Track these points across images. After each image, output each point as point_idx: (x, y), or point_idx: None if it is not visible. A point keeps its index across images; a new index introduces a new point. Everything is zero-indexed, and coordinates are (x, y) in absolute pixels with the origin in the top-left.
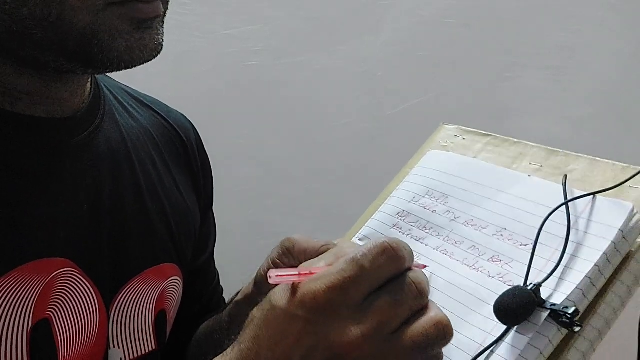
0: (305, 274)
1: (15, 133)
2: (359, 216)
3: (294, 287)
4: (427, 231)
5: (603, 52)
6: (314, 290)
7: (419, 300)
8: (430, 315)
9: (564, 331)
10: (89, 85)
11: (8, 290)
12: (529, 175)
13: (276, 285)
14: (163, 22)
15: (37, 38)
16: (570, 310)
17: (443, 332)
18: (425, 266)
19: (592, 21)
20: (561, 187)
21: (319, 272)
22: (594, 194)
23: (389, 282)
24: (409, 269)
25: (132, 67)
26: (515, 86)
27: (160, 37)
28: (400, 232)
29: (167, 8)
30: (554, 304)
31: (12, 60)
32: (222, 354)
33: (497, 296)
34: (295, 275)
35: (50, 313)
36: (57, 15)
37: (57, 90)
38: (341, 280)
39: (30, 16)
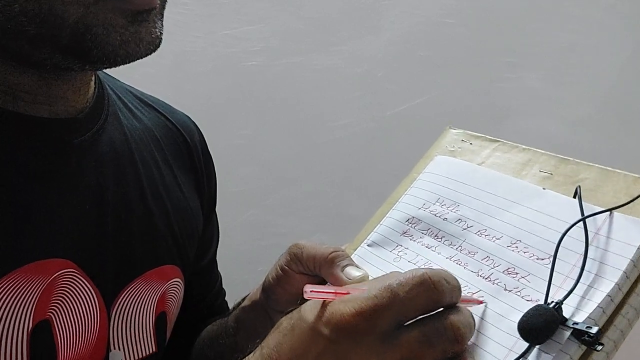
0: (342, 293)
1: (17, 133)
2: (358, 216)
3: (325, 304)
4: (440, 240)
5: (603, 53)
6: (342, 312)
7: (454, 346)
8: None
9: (584, 347)
10: (92, 85)
11: (9, 291)
12: (543, 188)
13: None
14: (162, 15)
15: (31, 34)
16: (594, 331)
17: None
18: (480, 302)
19: (592, 21)
20: (575, 201)
21: (351, 294)
22: (610, 210)
23: (424, 318)
24: (454, 306)
25: (129, 62)
26: (516, 86)
27: (158, 30)
28: (411, 239)
29: (166, 0)
30: (576, 323)
31: (10, 58)
32: (246, 358)
33: (515, 310)
34: (331, 292)
35: (50, 314)
36: (48, 10)
37: (59, 89)
38: (371, 306)
39: (22, 12)
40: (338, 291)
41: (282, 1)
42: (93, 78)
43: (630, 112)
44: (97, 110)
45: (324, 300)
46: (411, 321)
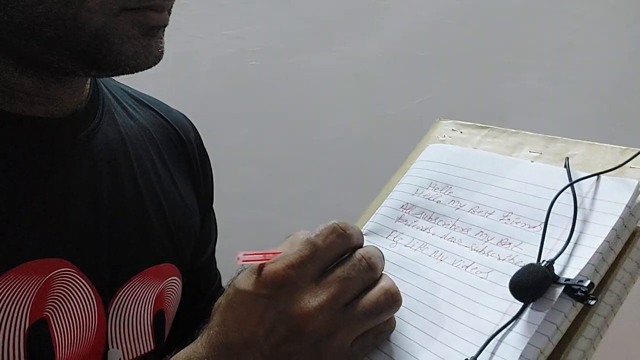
0: (270, 253)
1: (13, 133)
2: (358, 216)
3: (256, 271)
4: (433, 221)
5: (603, 52)
6: (274, 269)
7: (370, 273)
8: (380, 284)
9: (579, 306)
10: (87, 85)
11: (4, 291)
12: (531, 162)
13: (243, 266)
14: (164, 31)
15: (47, 36)
16: (586, 284)
17: (392, 299)
18: None
19: (592, 21)
20: (563, 169)
21: (278, 255)
22: (598, 174)
23: (342, 260)
24: (360, 246)
25: (134, 72)
26: (515, 86)
27: (163, 45)
28: (405, 224)
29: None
30: (568, 279)
31: (14, 58)
32: (192, 342)
33: (508, 276)
34: (260, 254)
35: (47, 313)
36: (72, 15)
37: (56, 91)
38: (298, 258)
39: (45, 15)
40: (266, 252)
41: (282, 1)
42: (89, 79)
43: (630, 112)
44: (92, 110)
45: (255, 267)
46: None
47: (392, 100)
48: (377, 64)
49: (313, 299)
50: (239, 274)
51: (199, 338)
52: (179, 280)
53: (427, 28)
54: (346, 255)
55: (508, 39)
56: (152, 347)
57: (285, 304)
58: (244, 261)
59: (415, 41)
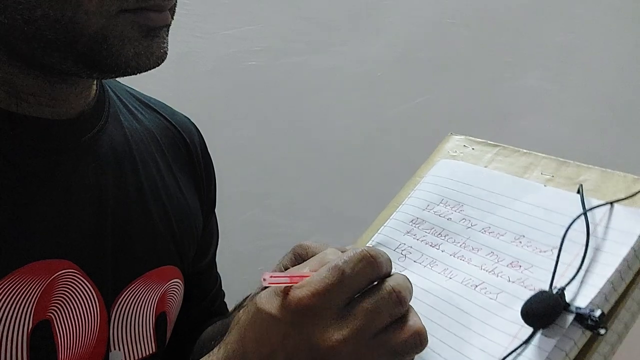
0: (297, 276)
1: (19, 134)
2: (358, 217)
3: (284, 292)
4: (443, 238)
5: (603, 53)
6: (299, 296)
7: (398, 307)
8: (409, 324)
9: (588, 334)
10: (94, 87)
11: (9, 291)
12: (544, 185)
13: (267, 286)
14: (168, 31)
15: (47, 39)
16: (597, 314)
17: (420, 341)
18: None
19: (592, 22)
20: (576, 195)
21: (305, 279)
22: (611, 203)
23: (369, 289)
24: (389, 274)
25: (137, 74)
26: (516, 87)
27: (166, 45)
28: (414, 238)
29: (173, 18)
30: (579, 307)
31: (19, 60)
32: (208, 354)
33: (519, 300)
34: (287, 278)
35: (51, 314)
36: (69, 18)
37: (62, 92)
38: (323, 286)
39: (43, 17)
40: (293, 275)
41: (282, 1)
42: (95, 81)
43: (630, 113)
44: (97, 112)
45: (280, 289)
46: (359, 294)
47: (392, 101)
48: (377, 65)
49: (337, 332)
50: (262, 289)
51: (215, 351)
52: (181, 282)
53: (428, 29)
54: (375, 284)
55: (508, 39)
56: (154, 350)
57: (308, 333)
58: (270, 283)
59: (415, 42)
